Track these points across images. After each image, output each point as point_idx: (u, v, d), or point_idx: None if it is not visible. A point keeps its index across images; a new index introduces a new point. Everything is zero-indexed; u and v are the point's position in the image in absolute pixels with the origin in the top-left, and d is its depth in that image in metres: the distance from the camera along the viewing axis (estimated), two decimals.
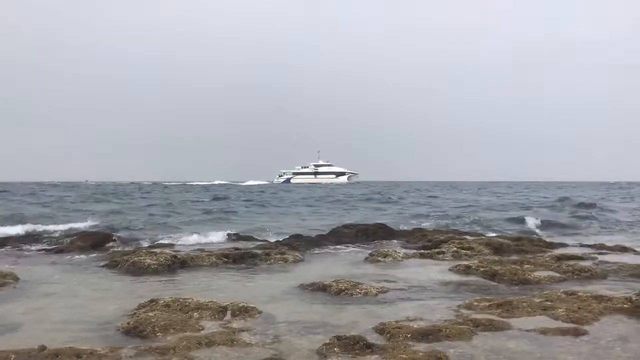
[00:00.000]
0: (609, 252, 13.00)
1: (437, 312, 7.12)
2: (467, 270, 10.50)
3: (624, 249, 13.32)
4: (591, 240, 15.49)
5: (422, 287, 9.02)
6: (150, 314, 6.75)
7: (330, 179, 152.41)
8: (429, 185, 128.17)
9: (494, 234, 16.20)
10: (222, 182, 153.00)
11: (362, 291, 8.37)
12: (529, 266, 10.72)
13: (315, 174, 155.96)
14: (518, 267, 10.40)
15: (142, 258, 11.36)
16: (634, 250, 13.34)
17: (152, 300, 7.39)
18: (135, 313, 6.96)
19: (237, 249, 13.17)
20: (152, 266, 10.93)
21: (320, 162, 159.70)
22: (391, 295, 8.39)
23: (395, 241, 14.86)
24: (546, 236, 16.23)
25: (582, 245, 14.32)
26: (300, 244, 13.74)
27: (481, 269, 10.42)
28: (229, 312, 7.06)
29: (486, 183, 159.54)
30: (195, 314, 6.88)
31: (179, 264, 11.36)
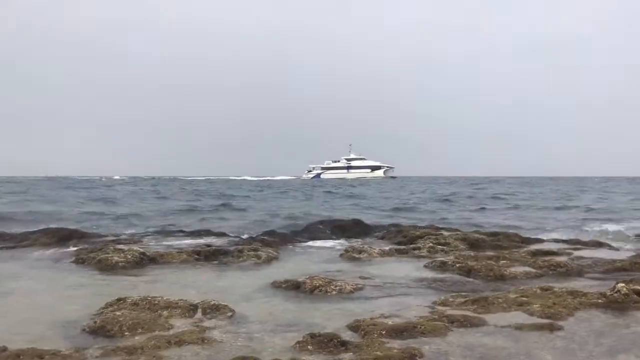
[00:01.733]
0: (584, 247, 13.19)
1: (412, 309, 7.15)
2: (442, 267, 10.53)
3: (599, 244, 13.54)
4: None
5: (398, 284, 9.03)
6: (117, 312, 6.67)
7: (364, 173, 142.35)
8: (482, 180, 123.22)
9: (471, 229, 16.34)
10: (249, 177, 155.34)
11: (337, 288, 8.37)
12: (504, 262, 10.85)
13: (348, 168, 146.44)
14: (494, 263, 10.52)
15: (110, 255, 11.22)
16: (609, 245, 13.57)
17: (119, 299, 7.31)
18: (101, 312, 6.87)
19: (209, 245, 13.06)
20: (120, 263, 10.81)
21: (352, 156, 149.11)
22: (366, 292, 8.41)
23: (371, 237, 14.88)
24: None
25: (557, 241, 14.50)
26: (274, 240, 13.68)
27: (457, 265, 10.48)
28: (199, 311, 7.01)
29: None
30: (164, 312, 6.82)
31: (147, 260, 11.25)
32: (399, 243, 13.80)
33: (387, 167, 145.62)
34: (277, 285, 8.83)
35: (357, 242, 13.91)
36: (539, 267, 10.21)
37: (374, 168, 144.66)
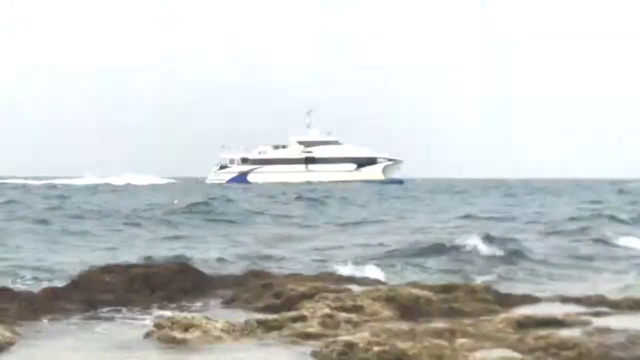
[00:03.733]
0: (612, 310, 8.65)
1: None
2: (347, 354, 6.84)
3: (638, 305, 8.53)
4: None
5: None
6: None
7: (343, 172, 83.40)
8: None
9: (401, 281, 10.80)
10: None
11: None
12: (466, 341, 7.24)
13: (308, 161, 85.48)
14: (445, 344, 7.06)
15: None
16: None
17: None
18: None
19: None
20: None
21: (314, 136, 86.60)
22: None
23: (213, 299, 9.69)
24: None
25: (564, 300, 9.35)
26: (12, 309, 7.67)
27: (376, 350, 6.83)
28: None
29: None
30: None
31: None
32: (267, 309, 8.89)
33: (390, 159, 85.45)
34: None
35: (182, 308, 9.13)
36: (528, 351, 6.78)
37: (361, 162, 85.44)
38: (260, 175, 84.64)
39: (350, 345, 6.70)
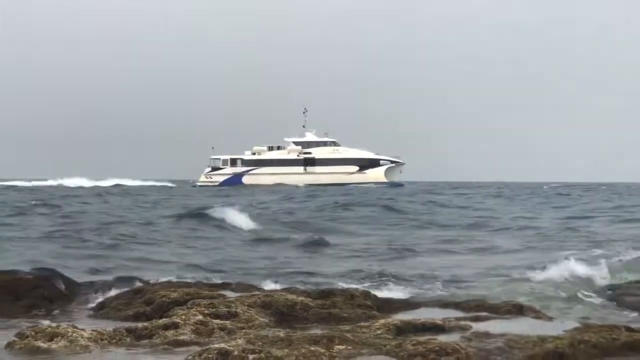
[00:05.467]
0: (491, 314, 8.54)
1: None
2: None
3: (517, 309, 8.58)
4: None
5: None
6: None
7: (343, 173, 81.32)
8: None
9: (277, 285, 10.48)
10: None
11: None
12: (343, 347, 7.11)
13: (307, 162, 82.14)
14: (323, 351, 6.88)
15: None
16: (534, 310, 8.44)
17: None
18: None
19: None
20: None
21: (312, 137, 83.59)
22: None
23: (80, 306, 9.40)
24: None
25: (443, 305, 9.31)
26: None
27: (251, 358, 6.60)
28: None
29: None
30: None
31: None
32: (138, 316, 8.52)
33: (392, 161, 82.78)
34: None
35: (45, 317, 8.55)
36: (407, 357, 6.66)
37: (363, 163, 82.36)
38: (256, 177, 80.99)
39: (224, 354, 6.39)
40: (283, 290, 9.55)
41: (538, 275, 12.74)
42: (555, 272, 12.84)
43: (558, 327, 7.76)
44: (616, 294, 11.19)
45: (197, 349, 6.68)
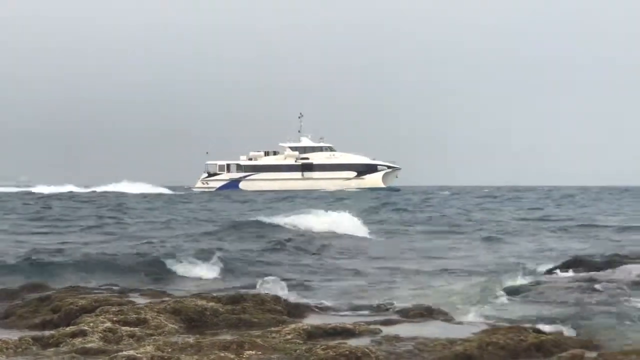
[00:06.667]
0: (401, 318, 8.64)
1: None
2: None
3: (427, 312, 8.74)
4: None
5: None
6: None
7: (340, 180, 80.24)
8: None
9: (195, 289, 10.36)
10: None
11: None
12: (253, 352, 7.01)
13: (304, 168, 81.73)
14: (233, 357, 6.85)
15: None
16: (443, 313, 8.65)
17: None
18: None
19: None
20: None
21: (308, 142, 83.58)
22: None
23: None
24: None
25: (354, 309, 9.39)
26: None
27: None
28: None
29: None
30: None
31: None
32: (45, 324, 8.25)
33: (389, 166, 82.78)
34: None
35: None
36: None
37: (360, 169, 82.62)
38: (253, 183, 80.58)
39: None
40: (193, 296, 9.39)
41: (448, 278, 13.01)
42: (466, 275, 13.18)
43: (467, 329, 7.92)
44: (525, 295, 11.53)
45: (105, 357, 6.54)
